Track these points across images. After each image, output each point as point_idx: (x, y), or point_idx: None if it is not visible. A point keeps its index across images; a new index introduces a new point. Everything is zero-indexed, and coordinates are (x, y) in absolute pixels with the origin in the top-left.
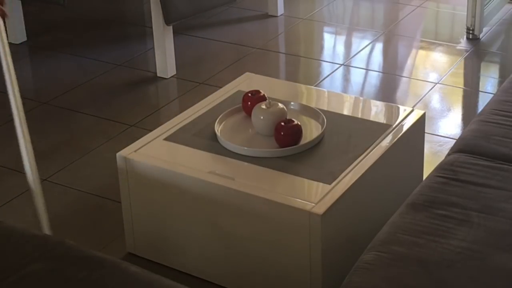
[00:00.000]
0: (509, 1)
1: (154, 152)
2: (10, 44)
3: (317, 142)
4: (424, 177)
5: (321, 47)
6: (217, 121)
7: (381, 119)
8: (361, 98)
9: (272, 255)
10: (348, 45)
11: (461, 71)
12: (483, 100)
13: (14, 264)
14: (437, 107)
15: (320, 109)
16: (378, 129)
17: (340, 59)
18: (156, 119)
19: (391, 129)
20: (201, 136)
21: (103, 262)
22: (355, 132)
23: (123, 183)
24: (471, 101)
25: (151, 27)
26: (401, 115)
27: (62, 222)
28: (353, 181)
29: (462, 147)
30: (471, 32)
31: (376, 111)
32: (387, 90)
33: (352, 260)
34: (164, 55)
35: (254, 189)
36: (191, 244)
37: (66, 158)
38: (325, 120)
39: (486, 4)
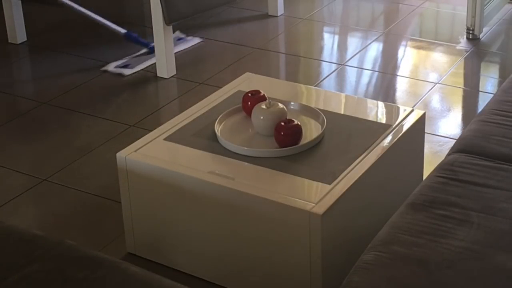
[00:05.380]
0: (509, 1)
1: (154, 152)
2: (10, 44)
3: (317, 142)
4: (424, 177)
5: (321, 47)
6: (217, 121)
7: (381, 119)
8: (361, 98)
9: (272, 255)
10: (348, 45)
11: (461, 71)
12: (483, 100)
13: (14, 264)
14: (437, 107)
15: (320, 109)
16: (378, 129)
17: (340, 59)
18: (156, 119)
19: (391, 129)
20: (201, 136)
21: (103, 262)
22: (355, 132)
23: (123, 183)
24: (471, 101)
25: (151, 27)
26: (401, 115)
27: (62, 222)
28: (353, 181)
29: (462, 147)
30: (471, 32)
31: (376, 111)
32: (387, 90)
33: (352, 260)
34: (164, 55)
35: (254, 189)
36: (191, 244)
37: (66, 158)
38: (325, 120)
39: (486, 4)
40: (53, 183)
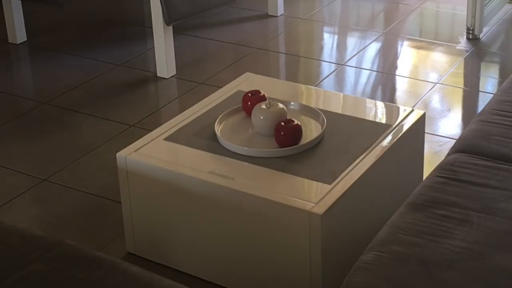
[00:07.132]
0: (509, 1)
1: (154, 152)
2: (10, 44)
3: (317, 142)
4: (424, 177)
5: (321, 47)
6: (217, 121)
7: (381, 119)
8: (361, 98)
9: (272, 255)
10: (348, 45)
11: (461, 71)
12: (483, 100)
13: (14, 264)
14: (437, 107)
15: (320, 109)
16: (378, 129)
17: (340, 59)
18: (156, 119)
19: (391, 129)
20: (201, 136)
21: (103, 262)
22: (355, 132)
23: (123, 183)
24: (471, 101)
25: (151, 27)
26: (401, 115)
27: (62, 222)
28: (353, 181)
29: (462, 147)
30: (471, 32)
31: (376, 111)
32: (387, 90)
33: (352, 260)
34: (164, 55)
35: (254, 189)
36: (191, 244)
37: (66, 158)
38: (325, 120)
39: (486, 4)
40: (53, 183)
